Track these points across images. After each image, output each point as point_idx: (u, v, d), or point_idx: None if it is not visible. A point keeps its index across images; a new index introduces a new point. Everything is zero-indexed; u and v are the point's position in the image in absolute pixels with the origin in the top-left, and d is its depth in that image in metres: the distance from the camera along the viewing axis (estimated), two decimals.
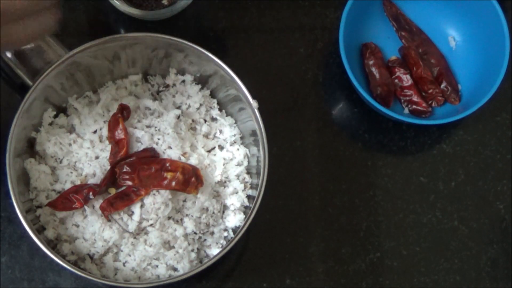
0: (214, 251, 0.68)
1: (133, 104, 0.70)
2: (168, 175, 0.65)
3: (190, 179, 0.65)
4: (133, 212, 0.66)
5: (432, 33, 0.81)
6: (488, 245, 0.77)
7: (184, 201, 0.67)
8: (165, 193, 0.65)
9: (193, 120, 0.71)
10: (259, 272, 0.74)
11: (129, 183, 0.64)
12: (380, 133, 0.79)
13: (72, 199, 0.65)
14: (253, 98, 0.67)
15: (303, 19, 0.81)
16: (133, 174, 0.64)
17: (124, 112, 0.68)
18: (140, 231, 0.66)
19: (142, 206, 0.65)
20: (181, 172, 0.65)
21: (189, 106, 0.71)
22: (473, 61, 0.79)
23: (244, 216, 0.68)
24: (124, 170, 0.65)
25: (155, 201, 0.65)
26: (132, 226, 0.65)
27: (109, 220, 0.65)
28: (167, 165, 0.65)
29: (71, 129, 0.70)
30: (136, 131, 0.68)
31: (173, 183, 0.64)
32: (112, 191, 0.66)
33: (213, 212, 0.68)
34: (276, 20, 0.81)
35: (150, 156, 0.66)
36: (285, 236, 0.75)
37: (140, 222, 0.65)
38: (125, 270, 0.66)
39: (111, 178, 0.66)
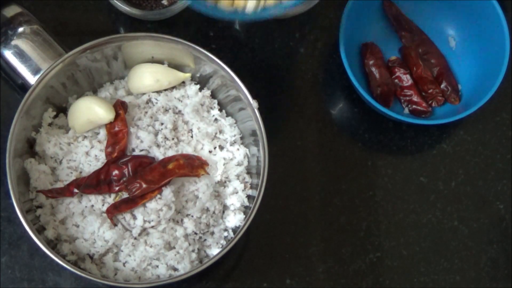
0: (214, 251, 0.68)
1: (133, 103, 0.70)
2: (170, 165, 0.65)
3: (193, 162, 0.66)
4: (135, 216, 0.66)
5: (432, 33, 0.81)
6: (488, 245, 0.77)
7: (186, 201, 0.67)
8: (169, 196, 0.65)
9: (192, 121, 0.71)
10: (259, 272, 0.74)
11: (139, 192, 0.65)
12: (380, 133, 0.79)
13: (64, 189, 0.66)
14: (253, 98, 0.67)
15: (303, 19, 0.81)
16: (139, 180, 0.65)
17: (123, 105, 0.68)
18: (141, 231, 0.66)
19: (145, 209, 0.66)
20: (181, 158, 0.65)
21: (189, 106, 0.71)
22: (473, 61, 0.79)
23: (244, 216, 0.68)
24: (129, 181, 0.65)
25: (158, 204, 0.65)
26: (136, 230, 0.65)
27: (115, 225, 0.65)
28: (166, 160, 0.66)
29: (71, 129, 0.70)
30: (136, 129, 0.68)
31: (178, 170, 0.65)
32: (118, 198, 0.66)
33: (214, 212, 0.68)
34: (276, 20, 0.81)
35: (147, 163, 0.67)
36: (285, 236, 0.75)
37: (143, 224, 0.66)
38: (125, 270, 0.66)
39: (106, 175, 0.66)
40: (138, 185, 0.64)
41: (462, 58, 0.80)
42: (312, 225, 0.76)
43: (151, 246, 0.65)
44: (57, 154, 0.68)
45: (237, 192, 0.69)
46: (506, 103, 0.81)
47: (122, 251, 0.66)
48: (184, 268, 0.66)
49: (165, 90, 0.71)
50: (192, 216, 0.67)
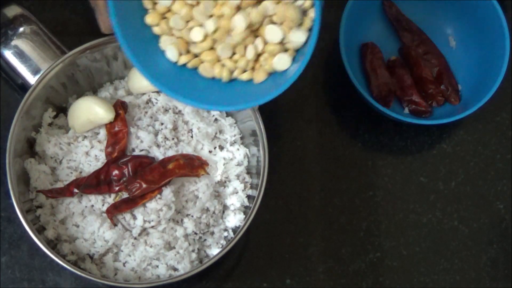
0: (214, 251, 0.68)
1: (133, 103, 0.70)
2: (170, 165, 0.65)
3: (193, 162, 0.66)
4: (135, 216, 0.66)
5: (432, 33, 0.81)
6: (488, 245, 0.77)
7: (186, 201, 0.67)
8: (169, 196, 0.65)
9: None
10: (259, 272, 0.74)
11: (139, 192, 0.65)
12: (380, 133, 0.79)
13: (64, 189, 0.66)
14: None
15: None
16: (139, 180, 0.65)
17: (123, 105, 0.68)
18: (141, 231, 0.66)
19: (145, 209, 0.66)
20: (181, 158, 0.65)
21: (189, 106, 0.71)
22: (473, 61, 0.79)
23: (244, 216, 0.68)
24: (129, 181, 0.65)
25: (158, 204, 0.65)
26: (136, 230, 0.65)
27: (115, 225, 0.65)
28: (166, 160, 0.66)
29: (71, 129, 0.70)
30: (136, 129, 0.68)
31: (178, 170, 0.65)
32: (118, 198, 0.66)
33: (214, 212, 0.68)
34: None
35: (147, 163, 0.67)
36: (285, 236, 0.75)
37: (143, 224, 0.66)
38: (125, 270, 0.66)
39: (106, 175, 0.66)
40: (138, 185, 0.64)
41: (462, 58, 0.80)
42: (312, 225, 0.76)
43: (151, 246, 0.65)
44: (57, 154, 0.68)
45: (237, 192, 0.69)
46: (506, 103, 0.81)
47: (122, 251, 0.66)
48: (184, 268, 0.66)
49: None
50: (192, 216, 0.67)
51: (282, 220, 0.76)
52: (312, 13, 0.55)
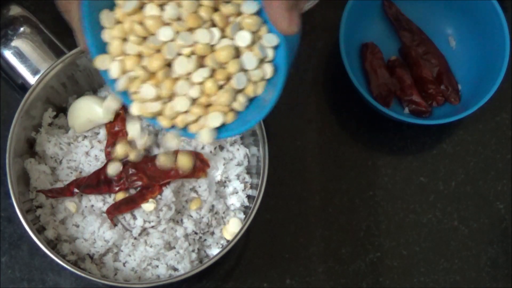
0: (214, 251, 0.68)
1: None
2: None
3: (195, 164, 0.66)
4: (135, 216, 0.66)
5: (432, 33, 0.81)
6: (488, 245, 0.77)
7: (186, 201, 0.67)
8: (169, 196, 0.65)
9: None
10: (259, 272, 0.74)
11: (139, 183, 0.65)
12: (380, 133, 0.79)
13: (64, 189, 0.66)
14: None
15: (303, 19, 0.81)
16: (140, 173, 0.65)
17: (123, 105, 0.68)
18: (142, 231, 0.66)
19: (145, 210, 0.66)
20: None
21: None
22: (473, 61, 0.79)
23: (244, 216, 0.68)
24: (130, 172, 0.65)
25: (158, 204, 0.65)
26: (136, 230, 0.65)
27: (115, 225, 0.65)
28: None
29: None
30: None
31: (180, 171, 0.65)
32: (120, 196, 0.66)
33: (216, 213, 0.68)
34: None
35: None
36: (285, 236, 0.75)
37: (143, 224, 0.66)
38: (125, 270, 0.66)
39: (106, 175, 0.66)
40: (140, 181, 0.64)
41: (462, 58, 0.80)
42: (312, 225, 0.76)
43: (151, 246, 0.65)
44: (57, 154, 0.68)
45: (237, 192, 0.69)
46: (506, 103, 0.81)
47: (122, 251, 0.66)
48: (184, 268, 0.66)
49: None
50: (192, 216, 0.67)
51: (282, 220, 0.76)
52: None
